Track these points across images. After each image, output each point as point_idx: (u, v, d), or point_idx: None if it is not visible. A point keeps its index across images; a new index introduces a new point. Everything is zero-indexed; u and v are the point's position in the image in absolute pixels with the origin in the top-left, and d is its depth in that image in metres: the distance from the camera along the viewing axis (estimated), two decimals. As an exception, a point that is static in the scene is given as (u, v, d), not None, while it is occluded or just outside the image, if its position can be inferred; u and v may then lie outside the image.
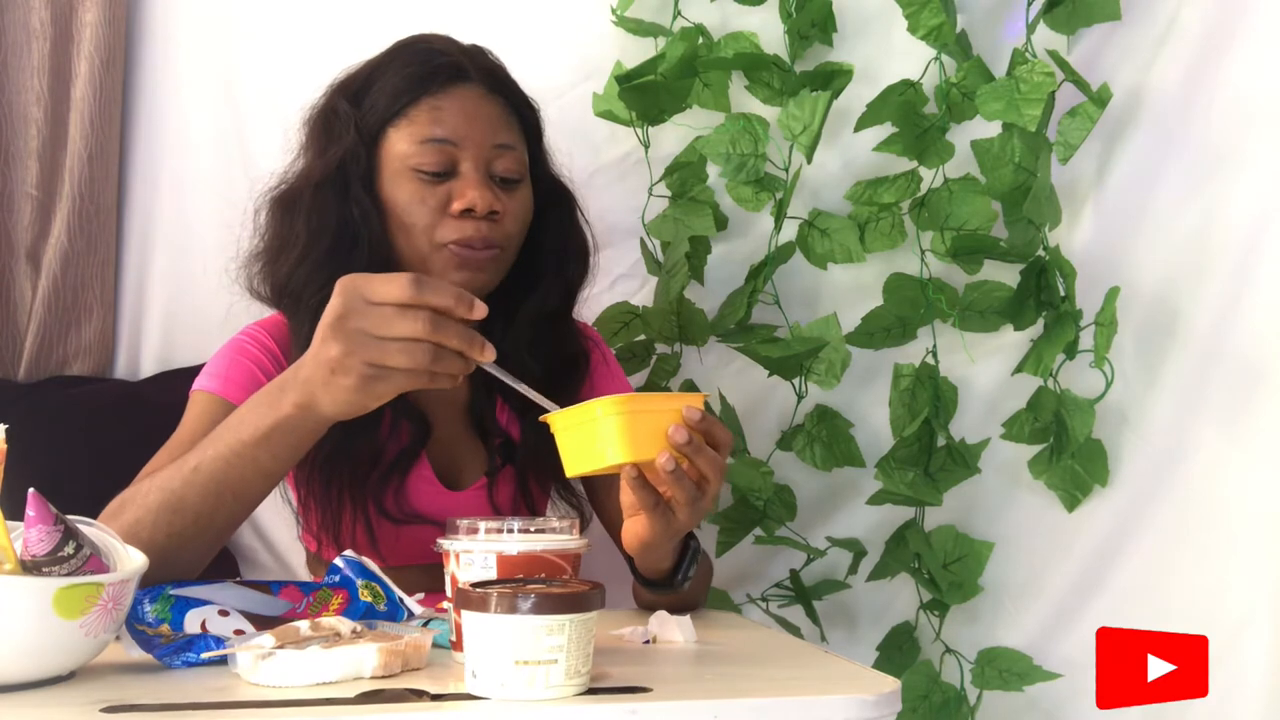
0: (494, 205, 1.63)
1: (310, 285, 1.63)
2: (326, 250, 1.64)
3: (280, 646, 1.15)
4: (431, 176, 1.63)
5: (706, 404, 1.37)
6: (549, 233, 1.76)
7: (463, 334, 1.26)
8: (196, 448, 1.41)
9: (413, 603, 1.40)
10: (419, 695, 1.09)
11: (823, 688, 1.19)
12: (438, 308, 1.25)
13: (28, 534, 1.14)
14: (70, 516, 1.19)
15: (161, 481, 1.40)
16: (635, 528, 1.44)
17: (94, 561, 1.17)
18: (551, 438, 1.54)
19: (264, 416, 1.35)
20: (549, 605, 1.06)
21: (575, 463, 1.32)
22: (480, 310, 1.27)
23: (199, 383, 1.66)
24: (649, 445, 1.30)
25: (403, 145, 1.64)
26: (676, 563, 1.56)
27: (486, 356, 1.29)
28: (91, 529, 1.22)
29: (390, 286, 1.24)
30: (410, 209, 1.63)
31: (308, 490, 1.69)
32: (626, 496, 1.41)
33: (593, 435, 1.29)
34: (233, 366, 1.66)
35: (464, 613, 1.09)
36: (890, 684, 1.15)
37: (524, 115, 1.75)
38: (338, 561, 1.42)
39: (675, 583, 1.56)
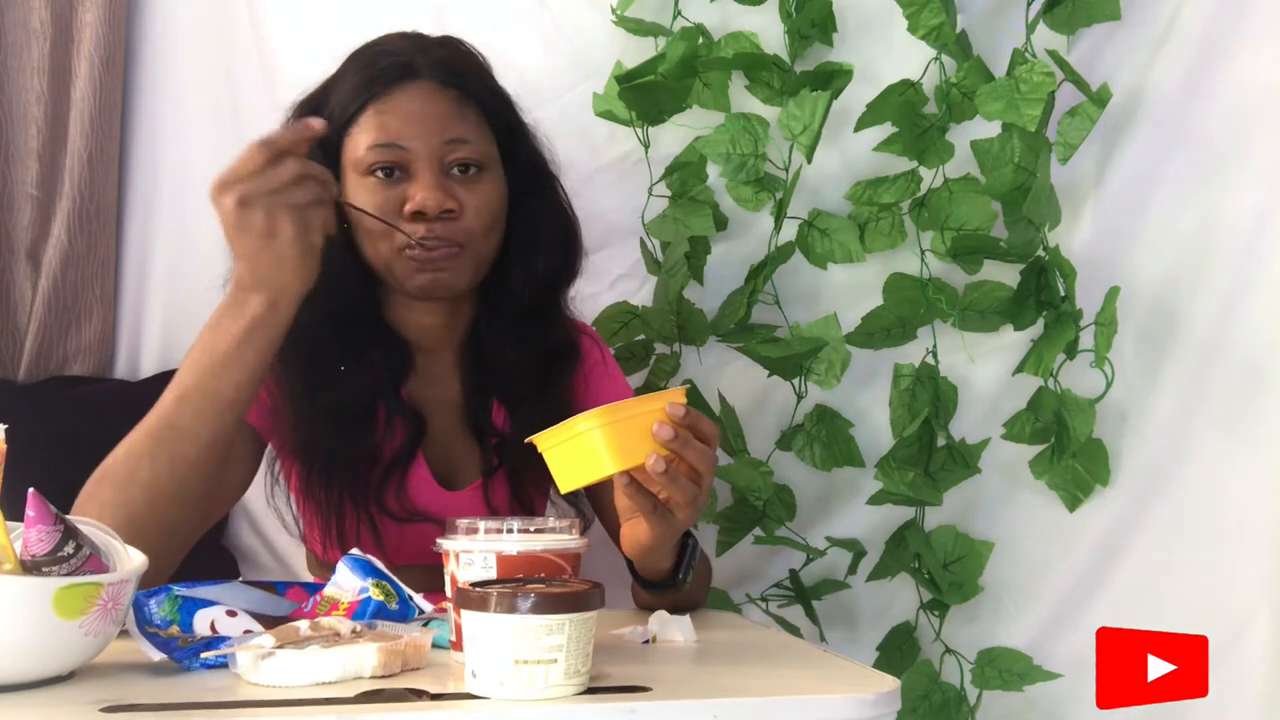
0: (445, 204, 1.62)
1: None
2: None
3: (280, 646, 1.15)
4: (385, 181, 1.63)
5: (690, 395, 1.37)
6: (528, 219, 1.75)
7: (315, 166, 1.42)
8: (172, 384, 1.46)
9: (421, 600, 1.40)
10: (419, 695, 1.09)
11: (822, 687, 1.19)
12: (287, 146, 1.40)
13: (27, 534, 1.14)
14: (70, 516, 1.19)
15: (144, 425, 1.45)
16: (634, 532, 1.44)
17: (93, 561, 1.17)
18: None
19: (236, 323, 1.43)
20: (548, 605, 1.06)
21: (567, 479, 1.33)
22: (316, 123, 1.42)
23: None
24: (637, 450, 1.30)
25: (357, 152, 1.65)
26: (676, 562, 1.56)
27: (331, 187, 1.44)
28: (91, 529, 1.22)
29: (248, 157, 1.39)
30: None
31: (308, 496, 1.69)
32: (622, 501, 1.42)
33: (580, 450, 1.29)
34: None
35: (464, 612, 1.09)
36: (890, 683, 1.15)
37: (487, 104, 1.71)
38: (343, 563, 1.42)
39: (677, 582, 1.56)
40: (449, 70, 1.69)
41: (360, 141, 1.64)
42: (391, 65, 1.67)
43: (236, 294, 1.43)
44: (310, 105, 1.72)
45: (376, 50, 1.71)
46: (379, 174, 1.63)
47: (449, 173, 1.65)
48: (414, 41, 1.72)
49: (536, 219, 1.76)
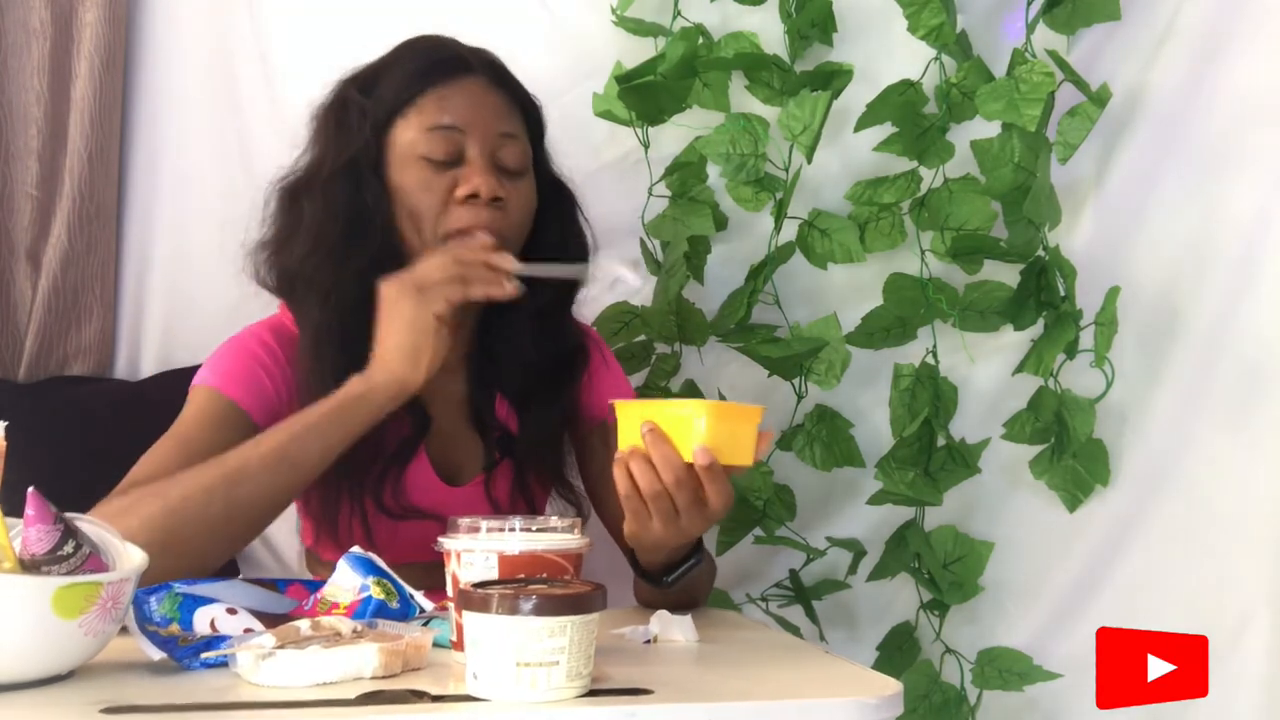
0: (498, 191, 1.65)
1: (322, 271, 1.66)
2: (338, 237, 1.66)
3: (281, 646, 1.15)
4: (439, 163, 1.66)
5: (690, 395, 1.41)
6: (549, 230, 1.77)
7: (481, 251, 1.55)
8: (262, 436, 1.52)
9: (422, 599, 1.40)
10: (419, 696, 1.09)
11: (824, 689, 1.20)
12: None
13: (27, 533, 1.14)
14: (69, 514, 1.19)
15: (218, 461, 1.48)
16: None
17: (93, 560, 1.17)
18: (550, 436, 1.74)
19: (332, 398, 1.52)
20: (551, 607, 1.06)
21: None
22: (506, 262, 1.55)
23: (200, 377, 1.68)
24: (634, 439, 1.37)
25: (410, 134, 1.67)
26: (672, 563, 1.56)
27: (506, 263, 1.55)
28: (91, 526, 1.22)
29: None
30: (417, 196, 1.66)
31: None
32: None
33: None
34: (235, 362, 1.68)
35: (465, 613, 1.08)
36: (892, 686, 1.15)
37: (527, 110, 1.78)
38: (343, 561, 1.42)
39: (663, 581, 1.57)
40: (499, 72, 1.75)
41: (416, 124, 1.68)
42: (449, 58, 1.72)
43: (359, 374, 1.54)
44: (358, 85, 1.73)
45: (432, 44, 1.76)
46: (432, 158, 1.66)
47: (497, 166, 1.69)
48: (459, 44, 1.77)
49: (559, 228, 1.80)
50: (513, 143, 1.71)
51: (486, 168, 1.66)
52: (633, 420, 1.37)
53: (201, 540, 1.45)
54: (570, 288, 1.81)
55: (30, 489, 1.15)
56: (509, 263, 1.54)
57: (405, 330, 1.50)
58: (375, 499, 1.69)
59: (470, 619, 1.08)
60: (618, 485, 1.40)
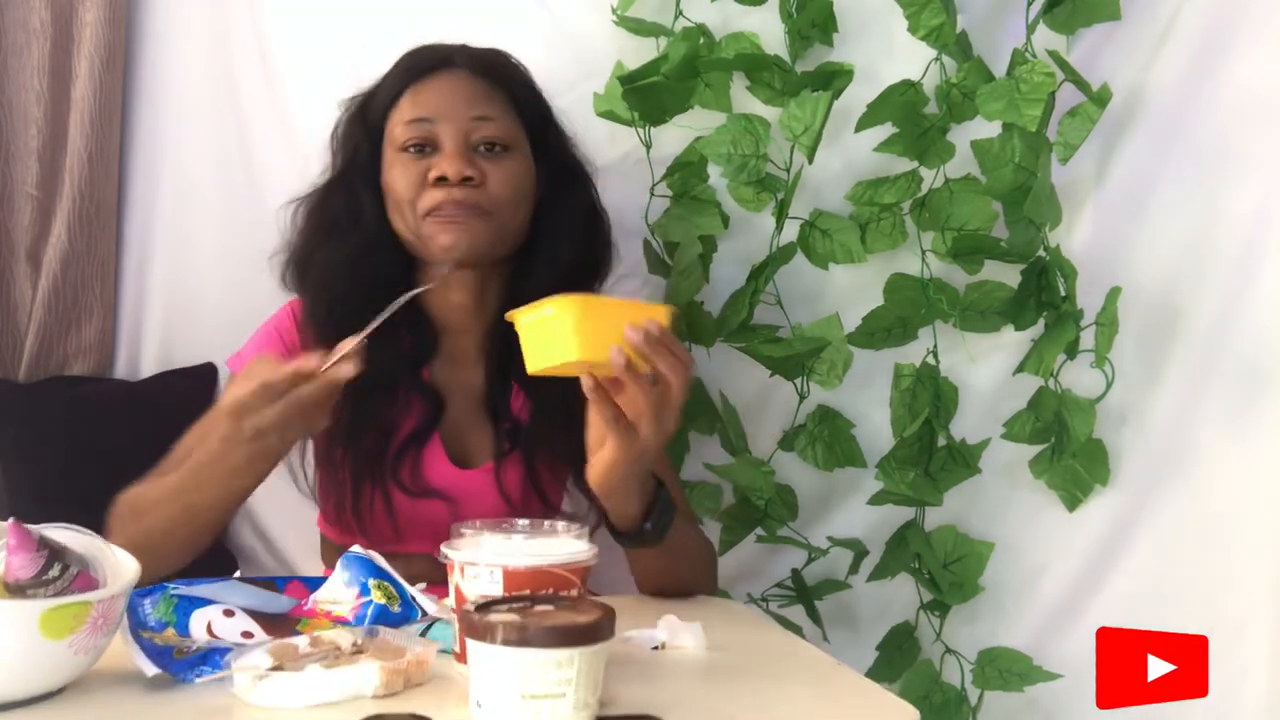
0: (466, 171, 1.72)
1: (312, 264, 1.78)
2: (327, 234, 1.78)
3: (278, 667, 1.14)
4: (415, 153, 1.76)
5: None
6: (554, 215, 1.83)
7: (316, 390, 1.43)
8: (195, 453, 1.59)
9: (425, 601, 1.39)
10: (422, 722, 1.08)
11: (839, 713, 1.19)
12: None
13: (10, 560, 1.13)
14: (57, 525, 1.18)
15: (166, 483, 1.60)
16: (599, 459, 1.49)
17: (83, 578, 1.16)
18: (561, 425, 1.69)
19: (240, 452, 1.51)
20: (558, 638, 1.04)
21: (534, 359, 1.37)
22: (313, 360, 1.43)
23: (235, 360, 1.83)
24: (603, 345, 1.33)
25: (393, 131, 1.79)
26: (645, 512, 1.58)
27: (345, 371, 1.44)
28: (80, 537, 1.21)
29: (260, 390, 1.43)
30: (396, 185, 1.76)
31: (328, 464, 1.78)
32: (592, 431, 1.49)
33: (549, 332, 1.34)
34: (260, 351, 1.79)
35: (469, 641, 1.07)
36: (909, 713, 1.14)
37: (517, 94, 1.83)
38: (341, 563, 1.42)
39: (645, 531, 1.58)
40: (484, 63, 1.82)
41: (396, 120, 1.78)
42: (430, 58, 1.81)
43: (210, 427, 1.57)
44: (360, 100, 1.85)
45: (423, 48, 1.84)
46: (411, 149, 1.76)
47: (475, 149, 1.76)
48: (457, 46, 1.84)
49: (563, 209, 1.84)
50: (489, 124, 1.77)
51: (455, 151, 1.74)
52: (593, 318, 1.34)
53: (166, 557, 1.53)
54: (588, 280, 1.86)
55: (10, 520, 1.14)
56: (314, 361, 1.44)
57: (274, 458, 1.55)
58: (394, 478, 1.75)
59: (474, 646, 1.07)
60: (601, 413, 1.42)
